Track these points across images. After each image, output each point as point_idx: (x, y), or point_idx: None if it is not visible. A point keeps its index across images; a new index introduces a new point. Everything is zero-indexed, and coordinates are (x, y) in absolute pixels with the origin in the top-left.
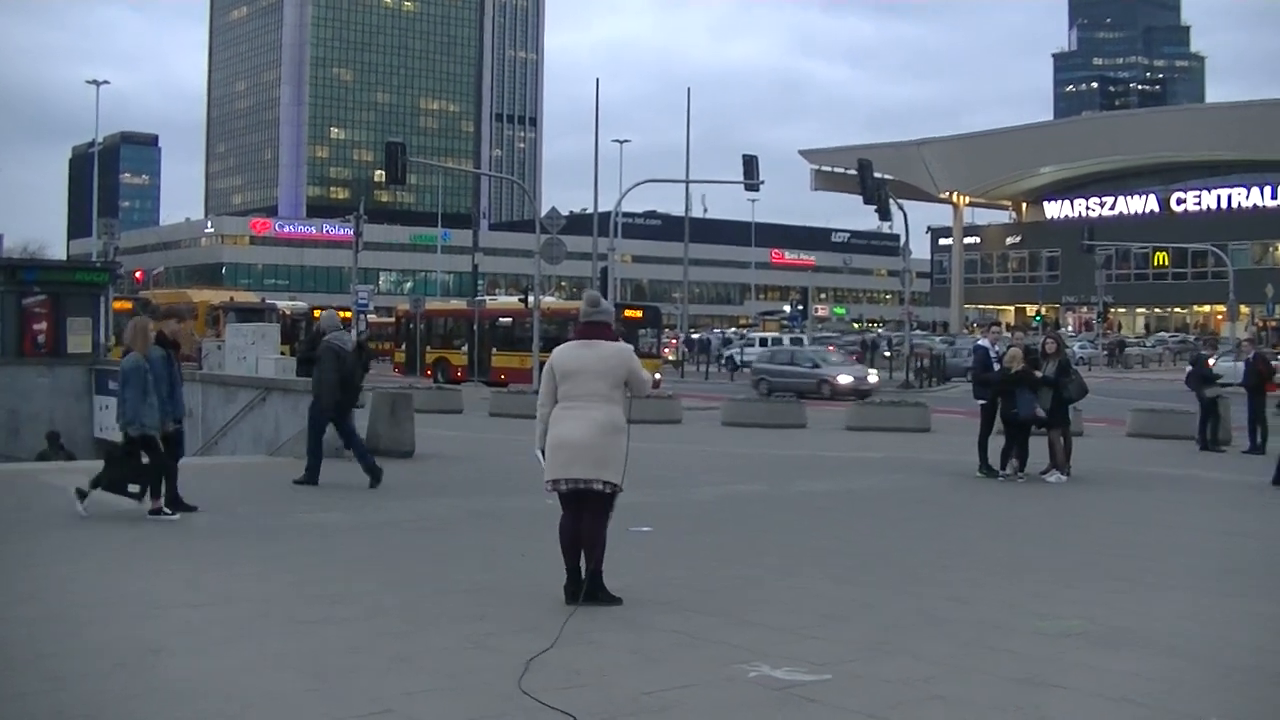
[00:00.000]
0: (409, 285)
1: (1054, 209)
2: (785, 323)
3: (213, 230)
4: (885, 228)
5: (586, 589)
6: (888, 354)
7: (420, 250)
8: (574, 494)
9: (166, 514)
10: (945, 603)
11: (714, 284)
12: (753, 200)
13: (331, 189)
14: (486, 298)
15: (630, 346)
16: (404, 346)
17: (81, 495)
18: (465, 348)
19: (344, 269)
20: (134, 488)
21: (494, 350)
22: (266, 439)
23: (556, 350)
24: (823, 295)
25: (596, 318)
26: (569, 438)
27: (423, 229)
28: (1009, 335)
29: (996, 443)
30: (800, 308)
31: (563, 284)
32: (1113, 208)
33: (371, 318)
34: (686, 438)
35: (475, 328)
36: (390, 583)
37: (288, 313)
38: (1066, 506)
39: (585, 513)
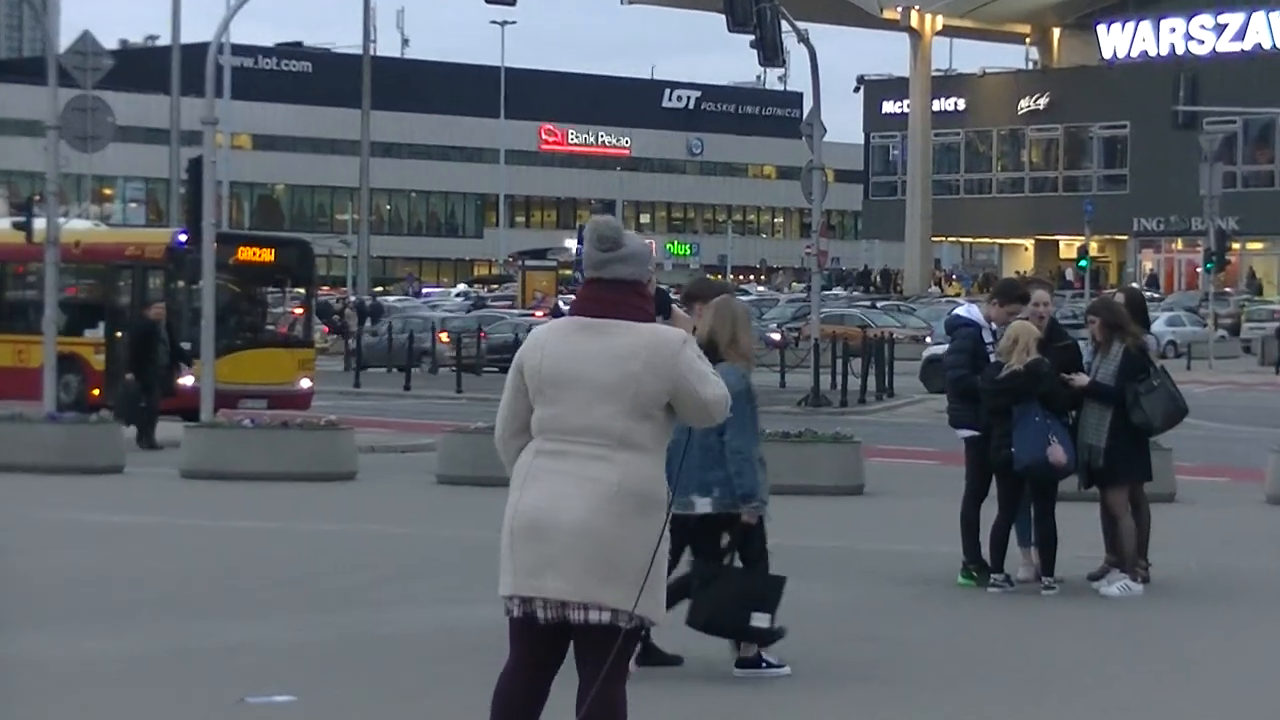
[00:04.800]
0: None
1: (1115, 41)
2: (571, 273)
3: None
4: (774, 81)
5: None
6: (776, 334)
7: None
8: (544, 630)
9: (774, 667)
10: None
11: (424, 194)
12: (503, 24)
13: None
14: None
15: (681, 333)
16: None
17: (752, 662)
18: None
19: None
20: (761, 619)
21: None
22: None
23: (535, 334)
24: (645, 217)
25: (612, 271)
26: (545, 517)
27: None
28: (1044, 299)
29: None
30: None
31: (108, 191)
32: (1239, 36)
33: None
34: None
35: None
36: None
37: None
38: (1146, 645)
39: (547, 666)
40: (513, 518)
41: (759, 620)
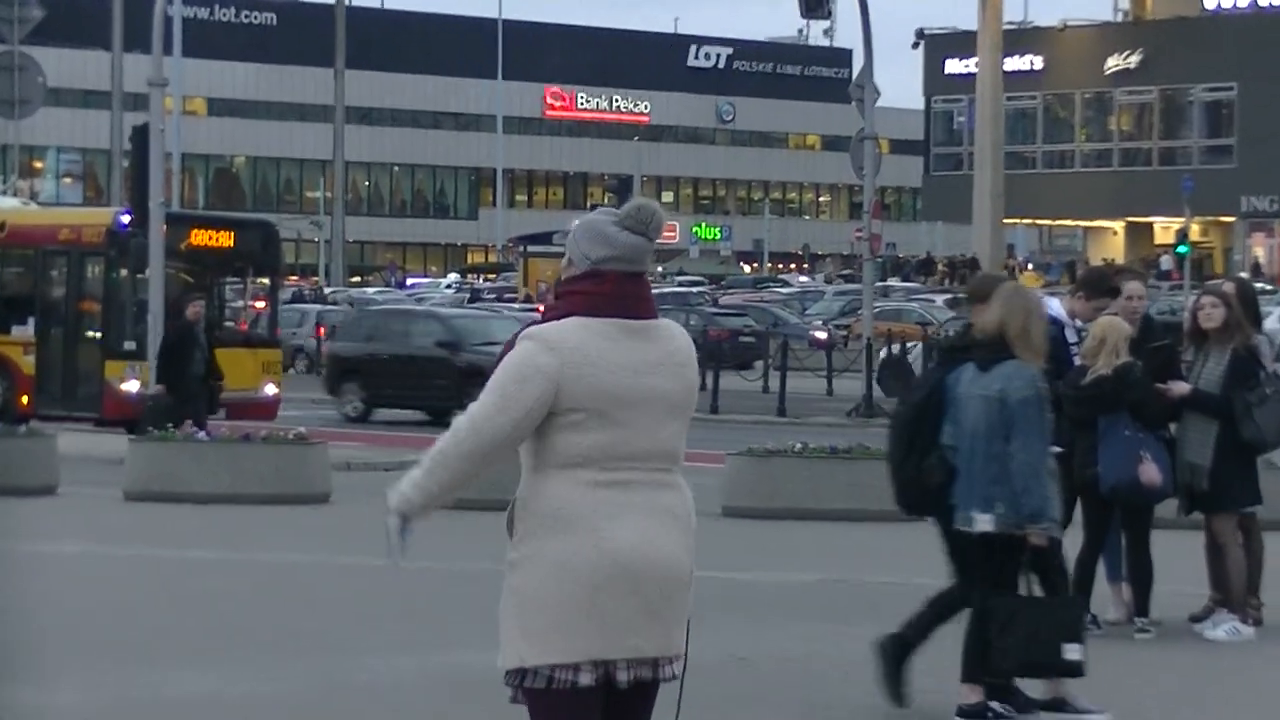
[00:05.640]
0: None
1: None
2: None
3: None
4: (819, 36)
5: None
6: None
7: None
8: (597, 695)
9: (1084, 711)
10: None
11: (409, 168)
12: None
13: None
14: None
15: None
16: None
17: (984, 713)
18: None
19: None
20: (1074, 651)
21: None
22: None
23: (563, 339)
24: (667, 195)
25: (647, 263)
26: (643, 562)
27: None
28: (1137, 292)
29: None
30: None
31: (39, 164)
32: None
33: None
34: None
35: None
36: None
37: None
38: (1255, 698)
39: None
40: (597, 566)
41: (1071, 653)
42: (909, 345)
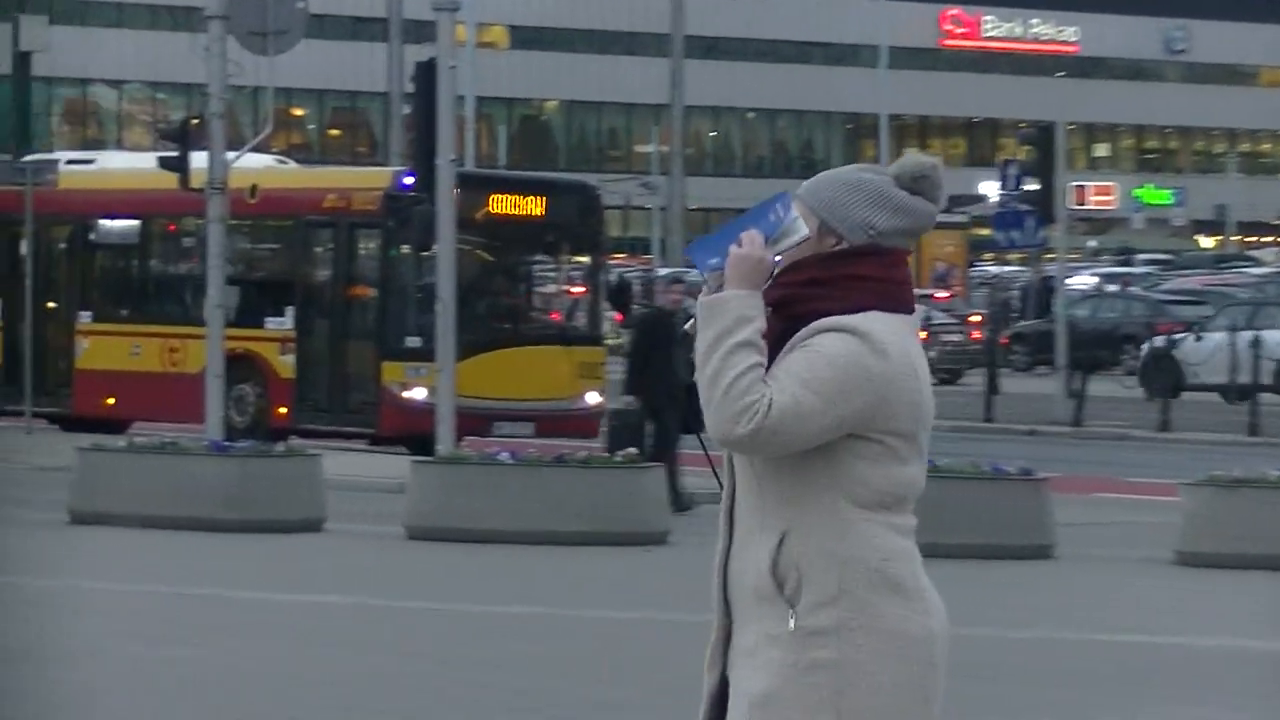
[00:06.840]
0: None
1: None
2: (992, 234)
3: None
4: None
5: None
6: None
7: None
8: None
9: None
10: None
11: (768, 114)
12: None
13: None
14: (64, 156)
15: None
16: None
17: None
18: None
19: None
20: None
21: (90, 318)
22: None
23: (873, 327)
24: (1100, 148)
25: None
26: (947, 627)
27: None
28: None
29: None
30: (1028, 183)
31: (298, 111)
32: None
33: None
34: None
35: (31, 250)
36: None
37: None
38: None
39: None
40: (935, 637)
41: None
42: (1176, 336)
